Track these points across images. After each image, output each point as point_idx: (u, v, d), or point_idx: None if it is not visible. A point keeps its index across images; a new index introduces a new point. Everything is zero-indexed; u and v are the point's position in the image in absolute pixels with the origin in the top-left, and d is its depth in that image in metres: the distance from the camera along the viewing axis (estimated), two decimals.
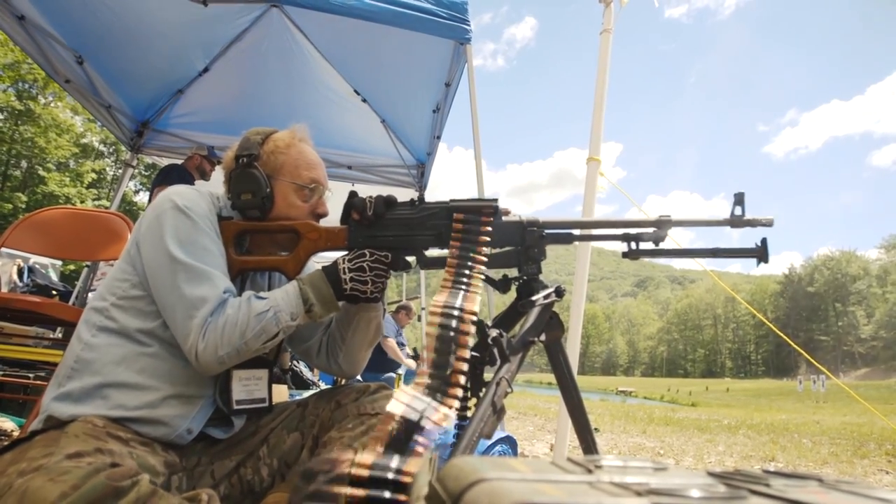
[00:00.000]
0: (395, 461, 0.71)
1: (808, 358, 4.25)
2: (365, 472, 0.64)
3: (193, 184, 5.10)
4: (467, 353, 1.05)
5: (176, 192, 1.44)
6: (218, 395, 1.48)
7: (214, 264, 1.39)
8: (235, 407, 1.49)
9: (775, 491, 0.47)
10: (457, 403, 0.99)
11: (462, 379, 1.02)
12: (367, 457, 0.71)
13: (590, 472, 0.48)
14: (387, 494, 0.63)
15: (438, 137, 5.67)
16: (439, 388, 1.00)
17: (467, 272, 1.27)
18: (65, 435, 1.18)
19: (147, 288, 1.38)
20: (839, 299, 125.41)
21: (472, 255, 1.32)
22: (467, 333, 1.08)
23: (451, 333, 1.08)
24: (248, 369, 1.52)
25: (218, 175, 5.29)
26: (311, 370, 5.81)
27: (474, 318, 1.11)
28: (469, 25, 3.84)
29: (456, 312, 1.12)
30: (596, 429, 7.44)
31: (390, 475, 0.64)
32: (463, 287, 1.22)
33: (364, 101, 5.57)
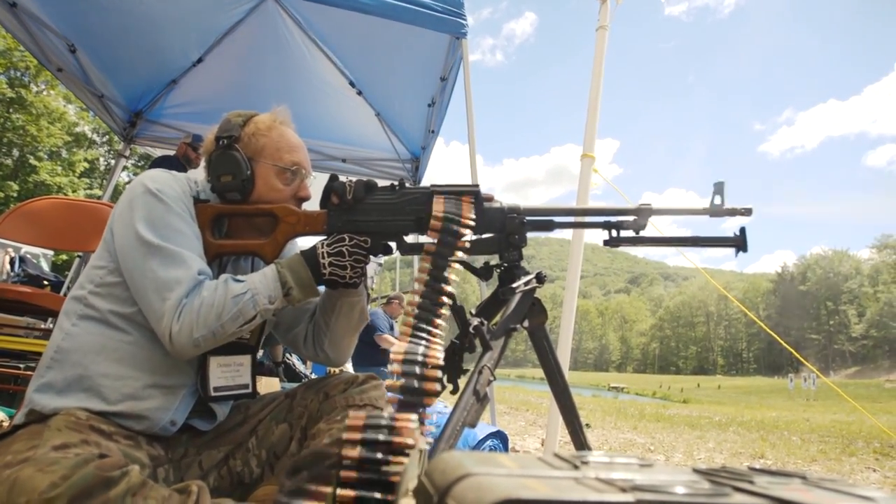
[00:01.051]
0: (385, 420, 0.72)
1: (798, 356, 4.28)
2: (353, 474, 0.64)
3: (186, 172, 5.09)
4: (433, 402, 1.03)
5: (148, 176, 1.43)
6: (199, 384, 1.48)
7: (188, 246, 1.37)
8: (213, 394, 1.47)
9: (759, 488, 0.48)
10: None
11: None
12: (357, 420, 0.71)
13: (576, 467, 0.48)
14: (377, 495, 0.63)
15: (434, 131, 5.66)
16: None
17: (443, 272, 1.26)
18: (48, 428, 1.18)
19: (122, 274, 1.37)
20: (831, 298, 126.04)
21: (450, 249, 1.30)
22: (434, 383, 1.04)
23: (416, 384, 1.03)
24: (227, 355, 1.51)
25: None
26: (304, 363, 5.80)
27: (439, 374, 1.07)
28: (465, 20, 3.83)
29: (420, 359, 1.07)
30: (587, 424, 7.47)
31: (382, 435, 0.64)
32: (425, 335, 1.18)
33: (359, 93, 5.55)
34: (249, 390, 1.57)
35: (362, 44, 4.88)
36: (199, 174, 1.62)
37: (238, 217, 1.55)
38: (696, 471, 0.55)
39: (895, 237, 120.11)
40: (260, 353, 2.02)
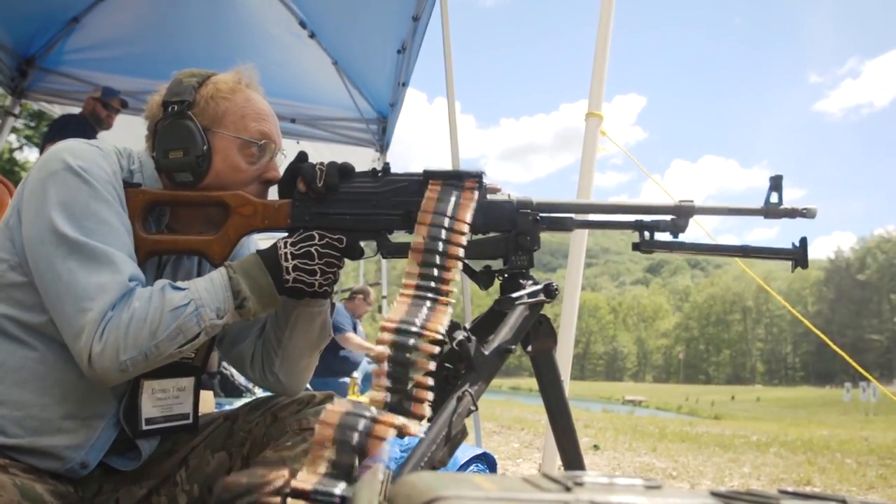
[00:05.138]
0: (339, 488, 0.73)
1: (851, 362, 4.35)
2: (308, 486, 0.65)
3: (96, 136, 5.00)
4: (429, 383, 1.05)
5: (68, 149, 1.38)
6: (123, 414, 1.45)
7: (117, 244, 1.34)
8: (144, 427, 1.46)
9: None
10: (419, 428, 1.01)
11: (426, 410, 1.03)
12: (306, 478, 0.72)
13: (567, 489, 0.50)
14: None
15: (405, 84, 5.66)
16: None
17: (437, 271, 1.28)
18: None
19: (30, 272, 1.33)
20: (895, 290, 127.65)
21: (446, 241, 1.32)
22: (429, 357, 1.07)
23: (407, 356, 1.07)
24: (164, 378, 1.49)
25: (122, 124, 5.21)
26: None
27: (438, 338, 1.10)
28: None
29: (414, 329, 1.11)
30: (595, 446, 7.56)
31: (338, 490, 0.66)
32: (429, 297, 1.22)
33: (312, 36, 5.52)
34: (189, 421, 1.56)
35: None
36: (126, 142, 1.59)
37: (183, 205, 1.53)
38: (715, 494, 0.57)
39: None
40: None
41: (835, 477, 6.55)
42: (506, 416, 12.06)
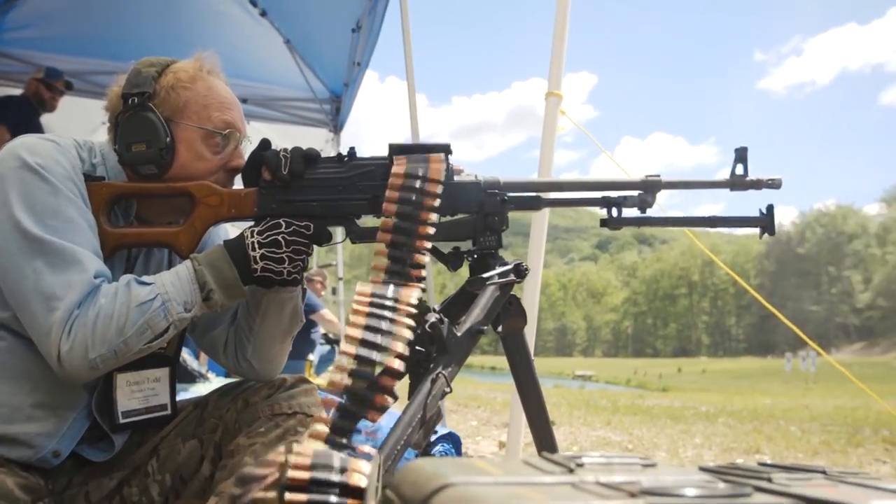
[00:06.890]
0: (337, 460, 0.73)
1: (796, 331, 4.47)
2: (305, 475, 0.65)
3: (39, 119, 4.87)
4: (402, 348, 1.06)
5: (26, 146, 1.35)
6: (95, 406, 1.44)
7: (81, 240, 1.32)
8: (122, 420, 1.45)
9: (779, 486, 0.51)
10: (389, 400, 1.01)
11: (400, 368, 1.04)
12: (304, 454, 0.72)
13: (570, 471, 0.50)
14: (333, 499, 0.64)
15: (360, 64, 5.61)
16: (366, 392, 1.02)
17: (406, 249, 1.28)
18: None
19: None
20: (833, 262, 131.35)
21: (414, 222, 1.32)
22: (406, 326, 1.09)
23: (384, 326, 1.09)
24: (138, 370, 1.48)
25: (68, 107, 5.08)
26: (197, 357, 5.71)
27: (412, 311, 1.12)
28: None
29: (389, 303, 1.13)
30: (552, 421, 7.68)
31: (334, 476, 0.66)
32: (398, 275, 1.23)
33: (263, 14, 5.44)
34: (168, 412, 1.55)
35: None
36: (71, 126, 1.56)
37: (148, 197, 1.51)
38: (704, 469, 0.58)
39: None
40: None
41: (782, 444, 6.75)
42: (461, 395, 12.15)
